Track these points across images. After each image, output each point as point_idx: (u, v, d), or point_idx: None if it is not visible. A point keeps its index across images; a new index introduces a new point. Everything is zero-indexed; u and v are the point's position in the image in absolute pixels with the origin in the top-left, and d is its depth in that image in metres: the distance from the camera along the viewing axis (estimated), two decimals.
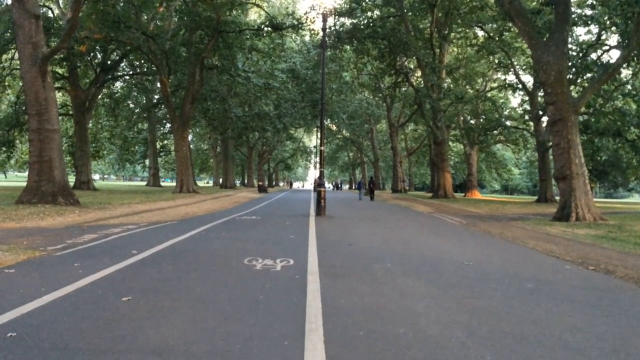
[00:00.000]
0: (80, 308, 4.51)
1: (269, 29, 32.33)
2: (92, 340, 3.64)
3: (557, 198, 23.92)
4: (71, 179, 27.40)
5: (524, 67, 37.83)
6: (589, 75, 25.89)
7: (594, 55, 27.36)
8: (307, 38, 43.50)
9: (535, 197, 38.27)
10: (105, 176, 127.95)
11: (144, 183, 71.23)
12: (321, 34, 21.87)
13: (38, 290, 5.07)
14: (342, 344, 3.71)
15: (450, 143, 53.06)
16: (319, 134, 19.58)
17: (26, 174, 20.55)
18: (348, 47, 37.04)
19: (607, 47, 28.53)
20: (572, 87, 24.76)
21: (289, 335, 3.87)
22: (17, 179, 75.95)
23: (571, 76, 24.87)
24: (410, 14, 35.39)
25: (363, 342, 3.77)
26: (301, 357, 3.40)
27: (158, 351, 3.46)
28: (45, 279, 5.66)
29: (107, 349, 3.46)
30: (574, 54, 26.24)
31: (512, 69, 36.46)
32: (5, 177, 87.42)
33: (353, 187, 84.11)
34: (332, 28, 33.77)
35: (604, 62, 25.43)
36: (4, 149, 35.96)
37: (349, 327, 4.15)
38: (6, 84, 35.42)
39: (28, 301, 4.65)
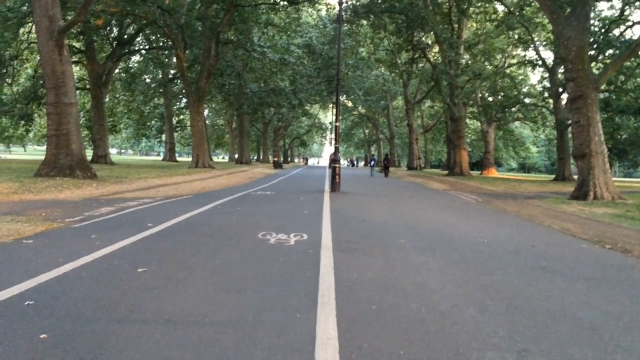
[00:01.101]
0: (96, 278, 4.58)
1: (285, 2, 31.99)
2: (107, 310, 3.69)
3: (575, 177, 23.66)
4: (89, 153, 27.71)
5: (544, 43, 37.00)
6: (610, 51, 25.28)
7: (616, 31, 26.66)
8: (323, 12, 43.01)
9: (553, 176, 37.82)
10: (122, 151, 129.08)
11: (160, 158, 71.75)
12: (337, 8, 21.56)
13: (55, 261, 5.16)
14: (354, 317, 3.72)
15: (467, 120, 52.42)
16: (334, 110, 19.46)
17: (45, 147, 20.76)
18: (365, 21, 36.53)
19: (630, 23, 27.75)
20: (593, 64, 24.18)
21: (301, 308, 3.90)
22: (36, 152, 76.87)
23: (592, 52, 24.29)
24: None
25: (375, 316, 3.78)
26: (313, 330, 3.41)
27: (172, 321, 3.50)
28: (63, 250, 5.75)
29: (122, 319, 3.52)
30: (596, 29, 25.58)
31: (532, 45, 35.69)
32: (25, 151, 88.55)
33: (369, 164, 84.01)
34: (349, 2, 33.32)
35: (627, 38, 24.81)
36: (22, 122, 36.33)
37: (362, 301, 4.16)
38: (24, 57, 35.61)
39: (45, 271, 4.73)
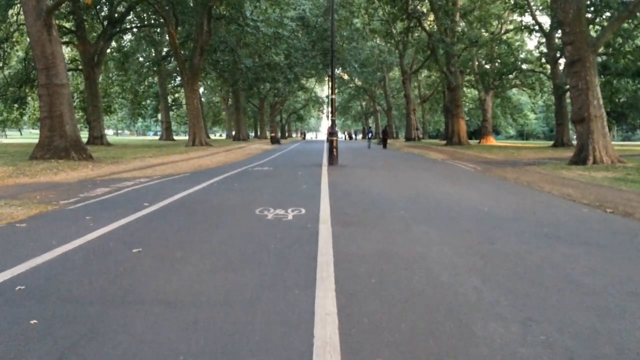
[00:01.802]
0: (90, 260, 4.49)
1: None
2: (101, 292, 3.61)
3: (574, 142, 23.51)
4: (85, 135, 27.49)
5: (540, 8, 36.47)
6: (607, 14, 24.87)
7: None
8: None
9: (552, 142, 37.67)
10: (119, 131, 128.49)
11: (157, 137, 71.36)
12: None
13: (48, 244, 5.06)
14: (353, 292, 3.64)
15: (465, 89, 51.98)
16: (330, 84, 19.20)
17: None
18: None
19: None
20: (590, 27, 23.81)
21: (299, 284, 3.81)
22: (32, 136, 76.42)
23: (590, 15, 23.92)
24: None
25: (374, 290, 3.70)
26: (312, 306, 3.33)
27: (167, 302, 3.42)
28: (56, 233, 5.65)
29: (115, 301, 3.43)
30: None
31: (528, 10, 35.15)
32: (21, 134, 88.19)
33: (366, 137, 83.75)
34: None
35: None
36: (15, 106, 35.98)
37: (361, 275, 4.08)
38: (14, 40, 35.06)
39: (38, 254, 4.64)
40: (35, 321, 3.04)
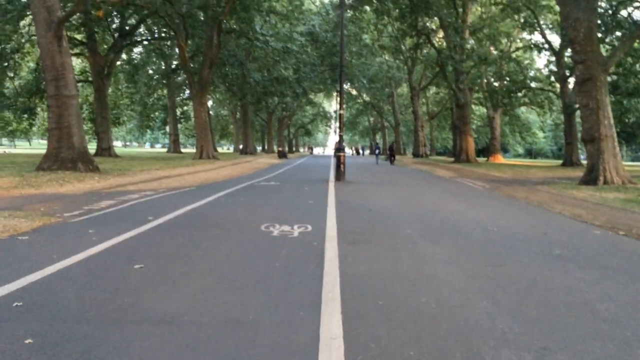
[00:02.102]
0: (90, 276, 4.38)
1: None
2: (99, 310, 3.49)
3: (584, 161, 23.30)
4: (93, 146, 27.54)
5: (550, 26, 36.43)
6: (618, 33, 24.79)
7: (624, 12, 26.12)
8: None
9: (560, 161, 37.41)
10: (127, 143, 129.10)
11: (165, 150, 71.61)
12: None
13: (49, 258, 4.97)
14: (360, 314, 3.51)
15: (473, 106, 51.87)
16: (338, 99, 19.16)
17: None
18: (368, 7, 36.03)
19: (638, 4, 27.17)
20: (601, 46, 23.73)
21: (304, 306, 3.69)
22: (41, 146, 76.84)
23: (601, 34, 23.84)
24: None
25: (382, 312, 3.57)
26: (317, 329, 3.21)
27: (167, 322, 3.30)
28: (58, 246, 5.56)
29: (114, 320, 3.32)
30: (603, 10, 25.06)
31: (538, 28, 35.13)
32: (30, 145, 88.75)
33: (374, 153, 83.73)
34: None
35: (635, 19, 24.29)
36: (25, 116, 36.20)
37: (368, 296, 3.95)
38: (25, 51, 35.39)
39: (38, 269, 4.54)
40: (30, 340, 2.93)
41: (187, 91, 54.26)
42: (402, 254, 5.54)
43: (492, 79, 46.15)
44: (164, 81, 50.24)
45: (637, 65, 27.97)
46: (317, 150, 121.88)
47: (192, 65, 35.50)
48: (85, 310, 3.49)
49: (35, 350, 2.80)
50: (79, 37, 34.97)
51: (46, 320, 3.27)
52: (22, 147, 74.97)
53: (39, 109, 38.12)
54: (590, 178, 15.52)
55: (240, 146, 60.22)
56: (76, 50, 35.60)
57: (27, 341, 2.92)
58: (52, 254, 5.15)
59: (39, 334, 3.04)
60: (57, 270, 4.55)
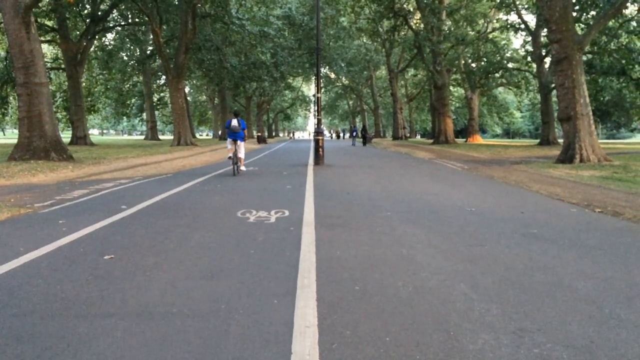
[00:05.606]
0: (58, 269, 4.23)
1: None
2: (65, 304, 3.36)
3: (560, 140, 23.51)
4: (68, 135, 26.94)
5: (526, 6, 36.49)
6: (593, 12, 24.88)
7: None
8: None
9: (538, 140, 37.77)
10: (104, 131, 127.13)
11: (143, 137, 70.64)
12: None
13: (16, 251, 4.80)
14: (335, 301, 3.43)
15: (451, 87, 51.99)
16: (316, 82, 18.97)
17: None
18: None
19: None
20: (576, 25, 23.80)
21: (279, 293, 3.60)
22: (15, 135, 75.28)
23: (576, 13, 23.91)
24: None
25: (358, 298, 3.49)
26: (291, 317, 3.12)
27: (136, 314, 3.19)
28: (26, 238, 5.38)
29: (81, 314, 3.19)
30: None
31: (514, 8, 35.16)
32: (4, 135, 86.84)
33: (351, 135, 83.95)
34: None
35: None
36: None
37: (344, 281, 3.88)
38: None
39: (3, 263, 4.37)
40: None
41: (164, 77, 53.48)
42: (380, 237, 5.48)
43: (470, 60, 46.23)
44: (140, 67, 49.34)
45: (612, 44, 28.16)
46: (298, 135, 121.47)
47: (167, 51, 34.87)
48: (50, 305, 3.35)
49: None
50: (49, 23, 34.05)
51: (7, 317, 3.13)
52: None
53: (10, 97, 37.11)
54: (567, 156, 15.65)
55: (220, 132, 59.66)
56: (47, 37, 34.70)
57: None
58: (19, 246, 4.98)
59: (1, 330, 2.91)
60: (23, 263, 4.39)
